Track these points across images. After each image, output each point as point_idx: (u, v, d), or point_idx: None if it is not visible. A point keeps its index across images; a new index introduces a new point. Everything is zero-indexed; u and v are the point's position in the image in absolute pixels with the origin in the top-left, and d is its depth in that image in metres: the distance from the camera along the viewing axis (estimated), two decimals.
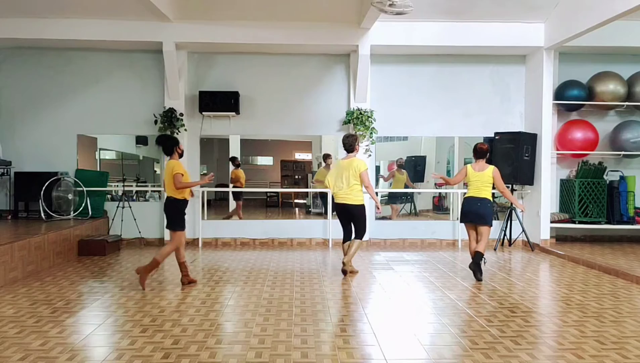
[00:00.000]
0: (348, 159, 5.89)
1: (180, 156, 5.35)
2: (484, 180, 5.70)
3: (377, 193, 6.50)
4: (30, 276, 5.70)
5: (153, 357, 3.30)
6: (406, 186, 9.64)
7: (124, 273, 5.95)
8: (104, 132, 8.62)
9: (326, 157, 8.91)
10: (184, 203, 5.22)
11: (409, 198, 9.88)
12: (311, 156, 12.21)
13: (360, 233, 5.92)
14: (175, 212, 5.20)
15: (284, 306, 4.55)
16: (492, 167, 5.77)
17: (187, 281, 5.36)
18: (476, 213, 5.72)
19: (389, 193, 9.71)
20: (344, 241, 6.03)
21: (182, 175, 5.10)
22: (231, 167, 9.72)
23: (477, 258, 5.62)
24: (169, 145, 5.25)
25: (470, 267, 5.71)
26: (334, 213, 6.34)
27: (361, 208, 5.87)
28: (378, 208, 6.18)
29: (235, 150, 10.83)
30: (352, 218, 5.92)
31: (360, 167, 5.78)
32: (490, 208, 5.77)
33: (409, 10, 5.73)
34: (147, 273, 5.21)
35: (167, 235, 8.18)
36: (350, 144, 5.89)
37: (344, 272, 5.93)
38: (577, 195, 8.05)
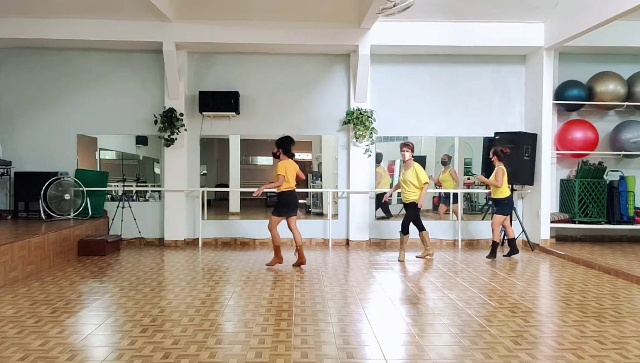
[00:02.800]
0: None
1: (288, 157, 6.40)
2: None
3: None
4: (30, 276, 5.70)
5: (153, 357, 3.30)
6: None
7: (124, 273, 5.95)
8: (104, 132, 8.62)
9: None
10: (280, 195, 6.33)
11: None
12: (311, 156, 12.19)
13: (418, 226, 7.10)
14: (277, 202, 6.43)
15: (284, 306, 4.55)
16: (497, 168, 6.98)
17: (299, 263, 6.46)
18: None
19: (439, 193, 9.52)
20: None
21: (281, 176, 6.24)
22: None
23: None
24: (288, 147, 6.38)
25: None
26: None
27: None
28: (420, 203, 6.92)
29: (235, 150, 10.82)
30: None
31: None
32: (497, 203, 7.09)
33: (413, 1, 5.70)
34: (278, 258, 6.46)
35: (167, 235, 8.22)
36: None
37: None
38: (577, 195, 8.05)
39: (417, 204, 6.79)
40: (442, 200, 9.46)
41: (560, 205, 8.52)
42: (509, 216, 7.19)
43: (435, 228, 8.60)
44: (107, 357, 3.31)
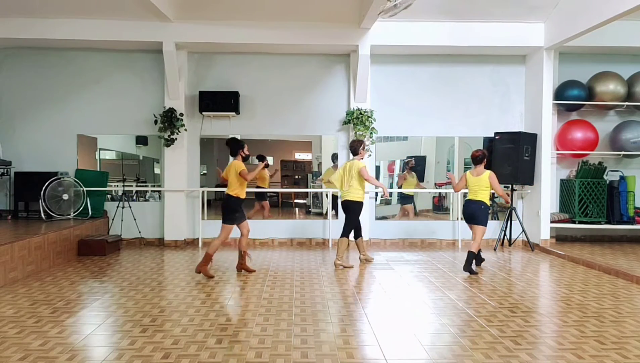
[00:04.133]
0: (349, 162, 6.48)
1: (244, 159, 5.89)
2: (481, 184, 6.15)
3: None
4: (30, 276, 5.70)
5: (153, 357, 3.30)
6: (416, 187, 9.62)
7: (124, 273, 5.95)
8: (104, 132, 8.62)
9: (335, 157, 8.88)
10: (236, 200, 5.79)
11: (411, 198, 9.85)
12: (311, 156, 12.19)
13: (344, 230, 6.48)
14: (227, 208, 5.81)
15: (284, 306, 4.55)
16: (488, 172, 6.18)
17: (241, 268, 6.07)
18: (470, 214, 6.24)
19: (401, 194, 9.64)
20: (355, 238, 6.72)
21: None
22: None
23: (468, 257, 6.07)
24: (235, 148, 5.84)
25: (464, 269, 6.11)
26: (333, 211, 6.85)
27: (355, 204, 6.42)
28: (385, 194, 6.68)
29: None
30: (346, 213, 6.52)
31: (358, 165, 6.33)
32: (483, 210, 6.14)
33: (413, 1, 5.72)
34: (205, 265, 5.75)
35: (167, 235, 8.22)
36: (354, 148, 6.48)
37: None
38: (577, 195, 8.05)
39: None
40: (404, 201, 9.55)
41: (560, 205, 8.52)
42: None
43: (435, 227, 8.63)
44: (107, 357, 3.31)
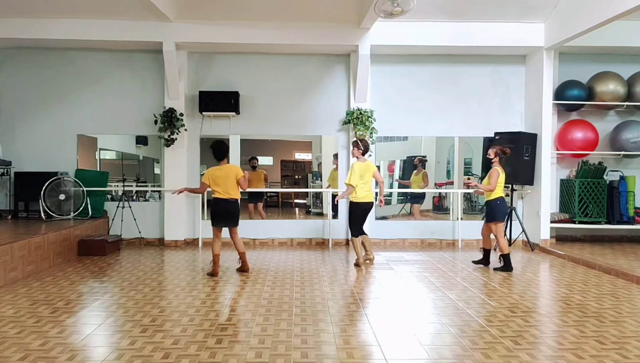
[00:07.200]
0: (367, 163, 6.47)
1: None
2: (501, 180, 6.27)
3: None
4: (30, 276, 5.70)
5: (153, 357, 3.30)
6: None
7: (124, 273, 5.95)
8: (104, 132, 8.62)
9: (336, 157, 8.85)
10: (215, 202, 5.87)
11: (408, 197, 9.89)
12: (311, 156, 12.19)
13: (358, 229, 6.63)
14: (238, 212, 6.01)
15: (284, 306, 4.55)
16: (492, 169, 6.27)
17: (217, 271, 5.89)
18: (487, 212, 6.40)
19: (410, 193, 9.67)
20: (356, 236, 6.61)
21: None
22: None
23: (505, 261, 6.31)
24: (225, 151, 5.85)
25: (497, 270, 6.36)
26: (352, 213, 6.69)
27: (371, 204, 6.52)
28: (380, 201, 6.62)
29: (235, 150, 10.80)
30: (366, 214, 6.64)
31: (373, 167, 6.53)
32: (492, 206, 6.26)
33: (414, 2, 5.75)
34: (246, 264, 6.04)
35: (167, 235, 8.23)
36: (367, 147, 6.51)
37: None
38: (577, 195, 8.05)
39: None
40: (411, 200, 9.55)
41: (560, 205, 8.52)
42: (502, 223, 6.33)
43: (435, 227, 8.62)
44: (107, 357, 3.31)
